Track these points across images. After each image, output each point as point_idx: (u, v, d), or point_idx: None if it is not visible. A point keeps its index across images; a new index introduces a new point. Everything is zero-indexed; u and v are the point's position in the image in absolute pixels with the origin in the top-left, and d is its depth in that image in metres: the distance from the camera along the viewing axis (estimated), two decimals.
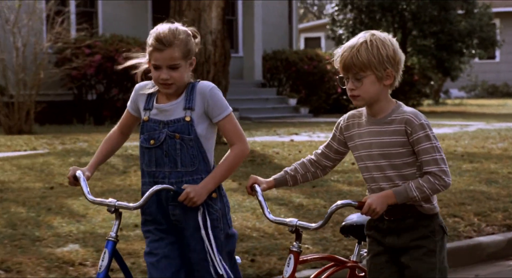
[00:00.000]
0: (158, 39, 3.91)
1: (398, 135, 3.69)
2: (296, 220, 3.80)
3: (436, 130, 16.57)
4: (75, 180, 4.01)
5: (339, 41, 24.72)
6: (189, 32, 4.04)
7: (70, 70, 17.22)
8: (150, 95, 4.06)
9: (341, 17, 25.28)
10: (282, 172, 4.00)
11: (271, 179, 3.98)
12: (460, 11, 25.20)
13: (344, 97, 22.39)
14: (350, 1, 24.60)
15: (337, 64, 3.76)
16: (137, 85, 4.12)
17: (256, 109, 21.11)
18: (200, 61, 11.72)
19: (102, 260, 3.90)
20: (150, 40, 3.95)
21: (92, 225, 6.92)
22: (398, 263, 3.82)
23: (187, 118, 3.95)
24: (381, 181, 3.75)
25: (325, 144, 3.98)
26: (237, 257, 4.27)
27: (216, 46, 11.86)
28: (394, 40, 3.75)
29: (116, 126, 4.19)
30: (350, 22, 25.02)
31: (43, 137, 14.17)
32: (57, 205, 7.76)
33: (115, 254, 3.97)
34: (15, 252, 6.10)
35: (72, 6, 19.33)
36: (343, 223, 4.30)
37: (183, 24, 4.09)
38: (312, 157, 4.00)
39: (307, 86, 22.76)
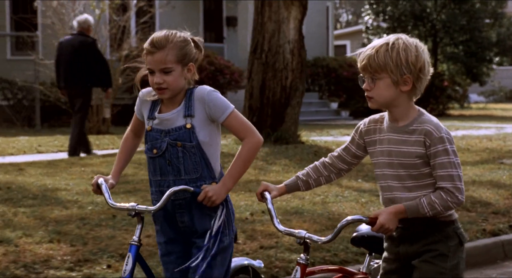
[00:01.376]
0: (151, 42, 3.87)
1: (418, 146, 3.57)
2: (304, 232, 3.70)
3: (475, 132, 18.01)
4: (98, 188, 4.03)
5: None
6: (189, 39, 3.96)
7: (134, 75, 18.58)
8: (154, 104, 4.02)
9: (375, 24, 26.79)
10: (293, 177, 3.91)
11: (282, 185, 3.89)
12: (487, 20, 26.68)
13: None
14: (382, 10, 26.07)
15: (358, 64, 3.68)
16: (141, 92, 4.05)
17: (301, 113, 22.50)
18: (279, 68, 13.13)
19: (126, 264, 3.92)
20: (145, 45, 3.92)
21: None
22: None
23: (188, 126, 3.91)
24: (398, 190, 3.63)
25: (342, 146, 3.86)
26: (258, 261, 4.44)
27: (293, 55, 13.25)
28: (422, 47, 3.60)
29: (128, 129, 4.17)
30: (383, 30, 26.56)
31: (121, 137, 15.53)
32: None
33: (138, 258, 3.99)
34: None
35: (133, 20, 20.74)
36: (354, 234, 4.20)
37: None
38: (327, 159, 3.89)
39: (347, 91, 24.23)
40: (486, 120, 23.04)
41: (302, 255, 3.75)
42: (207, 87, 3.96)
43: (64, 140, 14.83)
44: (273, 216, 3.75)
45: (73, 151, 12.46)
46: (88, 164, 11.31)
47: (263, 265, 4.47)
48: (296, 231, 3.72)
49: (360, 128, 3.78)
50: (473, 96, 38.05)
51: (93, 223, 7.27)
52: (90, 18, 12.72)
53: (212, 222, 3.93)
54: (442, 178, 3.53)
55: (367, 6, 27.60)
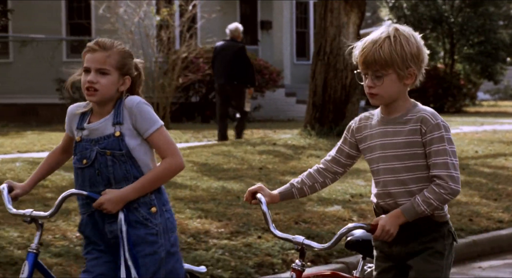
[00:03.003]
0: (96, 42, 3.82)
1: (413, 135, 3.44)
2: (302, 238, 3.55)
3: (500, 127, 19.29)
4: None
5: None
6: (131, 52, 3.92)
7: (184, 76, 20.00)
8: (83, 115, 3.91)
9: None
10: (287, 185, 3.75)
11: (276, 192, 3.72)
12: (501, 22, 28.36)
13: None
14: (403, 14, 27.67)
15: (355, 59, 3.54)
16: (70, 107, 3.97)
17: None
18: (339, 68, 14.55)
19: (22, 273, 3.82)
20: (88, 43, 3.87)
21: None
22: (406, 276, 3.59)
23: (117, 133, 3.79)
24: (392, 185, 3.51)
25: (334, 149, 3.71)
26: (202, 267, 4.29)
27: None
28: (418, 37, 3.49)
29: (59, 144, 4.08)
30: None
31: (185, 133, 16.95)
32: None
33: (38, 266, 3.90)
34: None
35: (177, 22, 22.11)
36: (348, 238, 4.10)
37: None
38: (320, 165, 3.74)
39: None
40: (504, 116, 24.14)
41: (297, 261, 3.62)
42: (137, 98, 3.83)
43: None
44: (268, 220, 3.60)
45: (238, 135, 14.97)
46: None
47: (205, 270, 4.31)
48: (293, 236, 3.58)
49: (351, 127, 3.66)
50: (480, 95, 39.56)
51: (224, 203, 8.30)
52: (240, 26, 14.79)
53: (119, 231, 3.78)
54: (437, 165, 3.40)
55: (386, 8, 29.17)
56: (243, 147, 13.17)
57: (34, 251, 3.86)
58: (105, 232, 3.87)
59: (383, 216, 3.45)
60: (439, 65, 28.06)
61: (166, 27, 18.22)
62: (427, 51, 3.52)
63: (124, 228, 3.75)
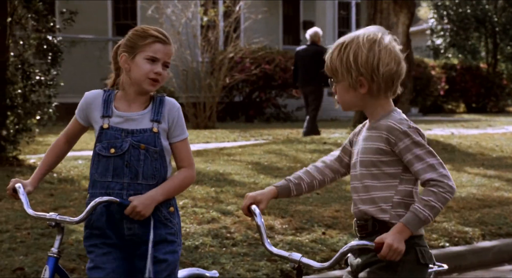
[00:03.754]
0: (161, 32, 3.77)
1: (380, 142, 3.28)
2: (299, 255, 3.22)
3: None
4: (14, 192, 3.79)
5: (436, 50, 27.82)
6: None
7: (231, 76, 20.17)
8: (106, 103, 3.79)
9: (439, 27, 28.31)
10: (284, 181, 3.53)
11: (271, 187, 3.49)
12: None
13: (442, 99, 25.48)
14: (447, 14, 27.59)
15: None
16: (88, 94, 3.84)
17: None
18: None
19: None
20: (148, 33, 3.75)
21: None
22: None
23: (155, 130, 3.74)
24: (360, 191, 3.33)
25: (339, 149, 3.56)
26: (214, 271, 4.27)
27: None
28: (382, 45, 3.27)
29: (61, 135, 3.91)
30: (447, 31, 28.09)
31: (232, 132, 17.09)
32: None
33: (58, 271, 3.79)
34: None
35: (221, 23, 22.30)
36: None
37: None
38: (319, 163, 3.57)
39: (414, 89, 25.61)
40: None
41: None
42: (176, 103, 3.85)
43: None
44: (262, 234, 3.32)
45: (308, 132, 15.21)
46: (232, 153, 12.77)
47: (217, 275, 4.26)
48: (289, 253, 3.25)
49: (358, 128, 3.50)
50: None
51: (284, 200, 8.27)
52: (319, 30, 15.28)
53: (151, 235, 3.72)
54: (424, 170, 3.19)
55: (428, 7, 29.11)
56: (294, 146, 13.30)
57: (55, 255, 3.73)
58: (122, 227, 3.76)
59: (385, 233, 3.15)
60: (481, 65, 27.96)
61: (212, 27, 18.38)
62: (389, 61, 3.27)
63: (152, 231, 3.71)
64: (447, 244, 7.45)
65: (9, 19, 10.36)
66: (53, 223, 3.70)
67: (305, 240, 7.04)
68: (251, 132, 17.10)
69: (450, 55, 28.16)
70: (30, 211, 3.71)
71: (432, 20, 28.76)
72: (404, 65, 3.35)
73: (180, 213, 7.63)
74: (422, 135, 3.25)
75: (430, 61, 26.73)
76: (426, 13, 33.72)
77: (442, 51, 28.01)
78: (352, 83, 3.28)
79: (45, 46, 10.57)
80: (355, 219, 3.38)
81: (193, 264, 6.37)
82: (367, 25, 14.89)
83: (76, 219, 3.66)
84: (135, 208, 3.63)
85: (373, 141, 3.29)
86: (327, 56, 3.35)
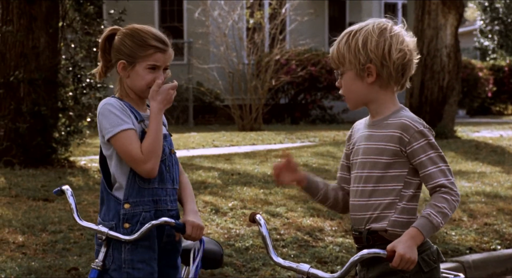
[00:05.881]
0: (160, 39, 3.57)
1: (387, 142, 3.11)
2: (308, 266, 3.10)
3: None
4: (61, 194, 3.78)
5: (484, 52, 27.60)
6: None
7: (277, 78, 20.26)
8: (129, 107, 3.60)
9: (488, 28, 28.11)
10: (320, 180, 3.37)
11: (303, 174, 3.34)
12: None
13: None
14: (497, 15, 27.37)
15: None
16: (112, 102, 3.58)
17: None
18: (436, 70, 14.56)
19: None
20: (147, 43, 3.55)
21: None
22: None
23: (171, 134, 3.74)
24: (358, 195, 3.18)
25: (339, 167, 3.39)
26: None
27: (450, 58, 14.67)
28: (392, 32, 3.13)
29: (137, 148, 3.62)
30: (495, 33, 27.88)
31: (278, 134, 17.14)
32: None
33: None
34: None
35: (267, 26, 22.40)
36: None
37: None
38: (334, 184, 3.40)
39: (461, 91, 25.44)
40: None
41: None
42: None
43: (229, 136, 16.45)
44: (268, 245, 3.18)
45: None
46: (279, 155, 12.81)
47: None
48: (297, 264, 3.12)
49: (348, 135, 3.35)
50: None
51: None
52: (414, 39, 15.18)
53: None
54: (436, 175, 3.05)
55: (475, 8, 28.92)
56: (341, 148, 13.35)
57: (98, 268, 3.59)
58: (163, 234, 3.62)
59: (397, 240, 2.99)
60: None
61: (258, 30, 18.46)
62: (403, 48, 3.13)
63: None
64: (499, 247, 7.44)
65: (60, 23, 10.53)
66: (104, 237, 3.56)
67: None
68: (297, 134, 17.13)
69: (497, 57, 27.99)
70: (81, 222, 3.65)
71: (480, 21, 28.59)
72: (415, 58, 3.20)
73: (229, 214, 7.95)
74: (434, 137, 3.14)
75: (478, 63, 26.53)
76: (472, 14, 33.51)
77: (489, 52, 27.88)
78: (359, 71, 3.12)
79: (94, 49, 10.69)
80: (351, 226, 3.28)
81: (244, 265, 6.42)
82: (415, 26, 15.04)
83: (130, 238, 3.51)
84: (197, 228, 3.57)
85: (382, 141, 3.13)
86: (333, 45, 3.20)
